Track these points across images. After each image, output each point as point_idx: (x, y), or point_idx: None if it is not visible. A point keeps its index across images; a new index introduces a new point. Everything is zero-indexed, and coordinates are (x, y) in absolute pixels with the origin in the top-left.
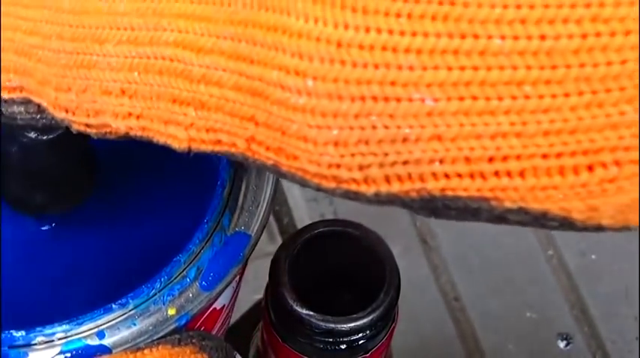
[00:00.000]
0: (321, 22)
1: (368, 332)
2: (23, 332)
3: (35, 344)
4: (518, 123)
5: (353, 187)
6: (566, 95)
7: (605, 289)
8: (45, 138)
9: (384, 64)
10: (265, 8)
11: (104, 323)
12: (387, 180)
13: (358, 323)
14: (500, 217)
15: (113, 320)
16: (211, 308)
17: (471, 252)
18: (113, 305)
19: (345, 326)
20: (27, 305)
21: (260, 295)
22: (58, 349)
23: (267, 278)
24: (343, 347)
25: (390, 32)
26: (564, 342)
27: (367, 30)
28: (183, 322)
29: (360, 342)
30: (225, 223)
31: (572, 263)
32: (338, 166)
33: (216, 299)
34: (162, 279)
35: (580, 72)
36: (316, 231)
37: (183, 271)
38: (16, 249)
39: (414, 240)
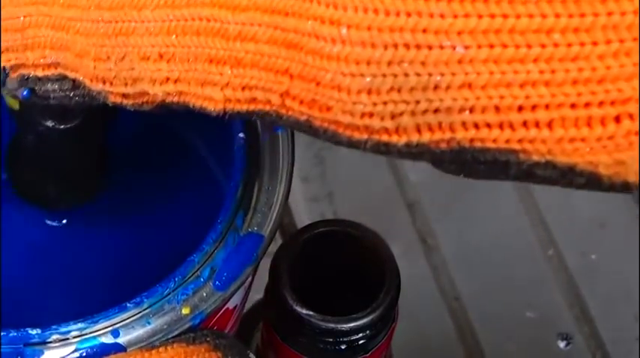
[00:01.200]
0: None
1: (368, 332)
2: (39, 330)
3: (51, 342)
4: (546, 72)
5: (384, 138)
6: (594, 43)
7: (605, 289)
8: (62, 127)
9: (415, 11)
10: None
11: (119, 322)
12: (418, 129)
13: (358, 323)
14: (529, 172)
15: (128, 318)
16: (224, 308)
17: (471, 252)
18: (128, 304)
19: (345, 326)
20: (41, 303)
21: (260, 295)
22: (73, 347)
23: (267, 278)
24: (343, 347)
25: None
26: (564, 342)
27: None
28: (197, 321)
29: (360, 342)
30: (238, 223)
31: (572, 263)
32: (370, 115)
33: (229, 299)
34: (176, 279)
35: (608, 20)
36: (316, 231)
37: (197, 271)
38: (28, 246)
39: (414, 240)
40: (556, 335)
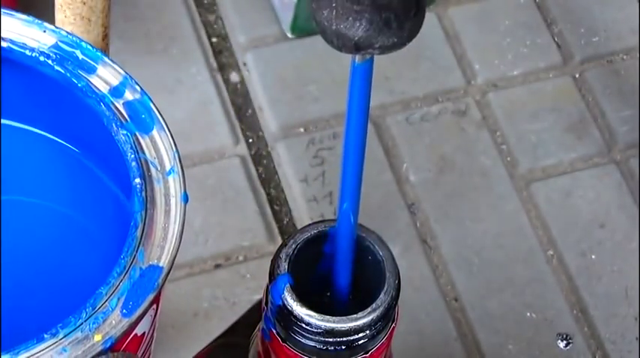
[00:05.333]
0: None
1: (368, 332)
2: None
3: None
4: None
5: None
6: None
7: (605, 289)
8: None
9: None
10: None
11: (38, 352)
12: None
13: (358, 323)
14: None
15: (46, 348)
16: (133, 334)
17: (471, 252)
18: (45, 335)
19: (345, 326)
20: None
21: (260, 295)
22: None
23: (267, 278)
24: (343, 347)
25: None
26: (564, 342)
27: None
28: (107, 345)
29: (360, 342)
30: (140, 258)
31: (572, 263)
32: None
33: (136, 325)
34: (87, 310)
35: None
36: (316, 231)
37: (105, 302)
38: None
39: (414, 240)
40: (556, 335)
